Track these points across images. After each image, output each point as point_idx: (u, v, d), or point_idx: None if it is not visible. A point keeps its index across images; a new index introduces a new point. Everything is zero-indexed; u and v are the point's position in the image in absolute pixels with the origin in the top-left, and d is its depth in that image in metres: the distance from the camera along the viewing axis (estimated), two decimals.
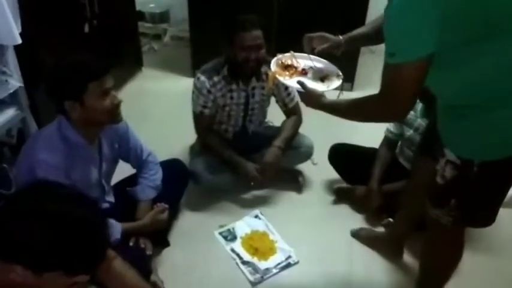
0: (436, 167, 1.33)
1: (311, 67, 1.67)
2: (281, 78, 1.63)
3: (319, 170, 2.47)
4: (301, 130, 2.36)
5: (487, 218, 1.37)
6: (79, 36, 2.60)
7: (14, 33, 1.70)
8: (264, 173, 2.15)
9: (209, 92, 2.09)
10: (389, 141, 2.18)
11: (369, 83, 3.47)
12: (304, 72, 1.65)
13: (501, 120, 1.17)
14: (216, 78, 2.08)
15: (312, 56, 1.67)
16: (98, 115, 1.48)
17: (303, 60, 1.69)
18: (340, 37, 1.64)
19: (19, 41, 1.73)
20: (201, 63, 3.36)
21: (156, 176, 1.87)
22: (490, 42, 1.08)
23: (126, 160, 1.85)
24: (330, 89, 1.57)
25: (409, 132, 2.06)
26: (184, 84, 3.43)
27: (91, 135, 1.58)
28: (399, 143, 2.18)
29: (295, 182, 2.41)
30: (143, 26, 3.96)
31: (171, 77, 3.64)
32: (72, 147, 1.51)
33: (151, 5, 4.06)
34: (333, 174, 2.37)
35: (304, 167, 2.47)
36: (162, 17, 4.09)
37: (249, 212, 2.18)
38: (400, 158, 2.17)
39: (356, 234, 2.09)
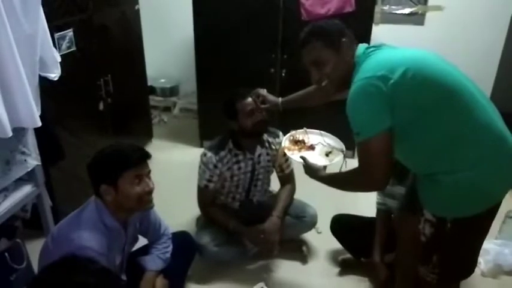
0: (419, 226, 1.49)
1: (320, 142, 1.87)
2: (289, 153, 1.85)
3: (323, 239, 2.49)
4: (304, 199, 2.43)
5: (467, 269, 1.53)
6: (94, 114, 2.77)
7: (35, 117, 1.84)
8: (267, 240, 2.18)
9: (215, 166, 2.19)
10: (382, 212, 2.23)
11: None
12: (312, 147, 1.84)
13: (464, 182, 1.34)
14: (222, 153, 2.20)
15: (322, 132, 1.94)
16: (129, 201, 1.55)
17: (313, 136, 1.93)
18: (279, 99, 2.09)
19: (39, 123, 1.87)
20: (208, 134, 3.58)
21: (167, 249, 1.92)
22: (434, 115, 1.33)
23: (144, 235, 1.91)
24: (331, 163, 1.76)
25: (394, 203, 2.13)
26: (192, 154, 3.54)
27: (123, 219, 1.65)
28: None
29: (299, 251, 2.43)
30: (154, 100, 4.19)
31: (180, 147, 3.78)
32: (110, 231, 1.58)
33: (162, 80, 4.33)
34: (337, 243, 2.38)
35: (309, 236, 2.50)
36: (172, 91, 4.34)
37: (254, 284, 2.18)
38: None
39: None
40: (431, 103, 1.33)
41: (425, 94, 1.33)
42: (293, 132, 1.95)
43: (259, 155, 2.27)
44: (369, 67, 1.39)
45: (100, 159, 1.58)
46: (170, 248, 1.94)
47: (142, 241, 1.97)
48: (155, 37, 3.97)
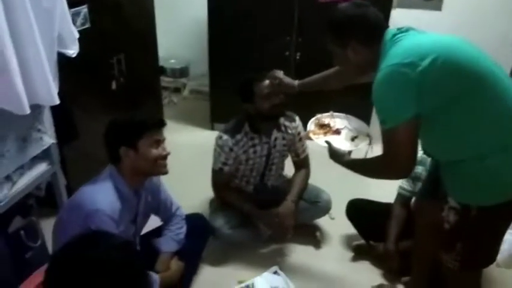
0: (442, 214, 1.48)
1: (346, 127, 1.85)
2: (314, 137, 1.84)
3: (336, 224, 2.49)
4: (319, 184, 2.42)
5: (490, 257, 1.53)
6: (107, 93, 2.74)
7: (53, 94, 1.81)
8: (282, 224, 2.17)
9: (231, 150, 2.16)
10: (403, 198, 2.21)
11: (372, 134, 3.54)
12: (337, 132, 1.82)
13: (491, 168, 1.33)
14: (238, 136, 2.17)
15: (348, 116, 1.92)
16: (147, 162, 1.61)
17: (339, 120, 1.91)
18: (296, 82, 2.05)
19: (57, 101, 1.84)
20: (220, 116, 3.55)
21: (181, 230, 1.93)
22: (463, 103, 1.31)
23: (156, 213, 1.92)
24: (356, 148, 1.74)
25: (420, 186, 2.10)
26: (203, 137, 3.55)
27: (136, 186, 1.69)
28: (413, 199, 2.20)
29: (313, 237, 2.43)
30: (164, 80, 4.14)
31: (190, 129, 3.76)
32: (122, 199, 1.62)
33: (172, 61, 4.27)
34: (351, 229, 2.38)
35: (322, 221, 2.50)
36: (182, 72, 4.29)
37: (268, 267, 2.17)
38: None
39: None
40: (461, 90, 1.31)
41: (455, 81, 1.30)
42: (319, 115, 1.93)
43: (275, 139, 2.25)
44: (396, 53, 1.35)
45: (122, 122, 1.63)
46: (184, 230, 1.94)
47: (155, 223, 1.97)
48: (166, 16, 3.89)
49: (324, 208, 2.38)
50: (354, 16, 1.46)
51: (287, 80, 2.07)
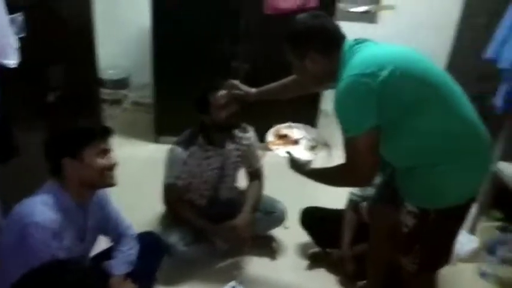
0: (400, 218, 1.52)
1: (304, 137, 1.85)
2: (273, 148, 1.82)
3: (291, 234, 2.49)
4: (270, 194, 2.41)
5: (446, 258, 1.59)
6: (44, 106, 2.55)
7: None
8: (239, 237, 2.14)
9: (185, 163, 2.10)
10: (354, 203, 2.26)
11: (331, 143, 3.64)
12: (296, 142, 1.82)
13: (447, 174, 1.39)
14: (193, 148, 2.11)
15: (306, 126, 1.93)
16: (93, 173, 1.51)
17: (297, 130, 1.91)
18: (253, 90, 2.05)
19: None
20: (165, 129, 3.45)
21: (132, 250, 1.82)
22: (418, 113, 1.35)
23: (105, 232, 1.80)
24: (315, 157, 1.74)
25: (370, 191, 2.16)
26: (147, 150, 3.43)
27: (82, 200, 1.59)
28: (364, 203, 2.26)
29: (268, 247, 2.41)
30: (102, 92, 3.94)
31: (133, 143, 3.60)
32: (65, 212, 1.51)
33: (111, 72, 4.09)
34: (305, 237, 2.40)
35: (276, 231, 2.49)
36: (122, 83, 4.12)
37: (225, 282, 2.10)
38: (367, 217, 2.25)
39: None
40: (418, 100, 1.36)
41: (412, 91, 1.35)
42: (277, 126, 1.92)
43: (230, 150, 2.22)
44: (356, 64, 1.38)
45: (65, 132, 1.54)
46: (136, 250, 1.83)
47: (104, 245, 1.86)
48: (105, 26, 3.72)
49: (279, 218, 2.37)
50: (312, 27, 1.49)
51: (244, 88, 2.06)
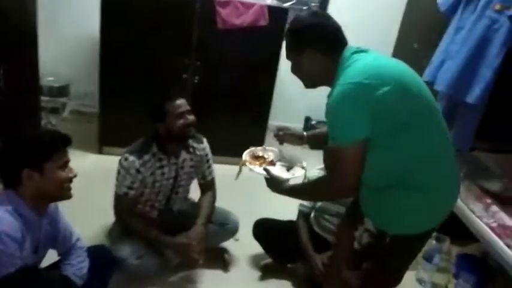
0: (355, 233, 1.55)
1: (280, 159, 1.87)
2: (250, 166, 1.81)
3: (242, 245, 2.50)
4: (220, 205, 2.41)
5: (393, 282, 1.58)
6: None
7: None
8: (193, 249, 2.10)
9: (138, 171, 2.05)
10: (304, 215, 2.33)
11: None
12: (272, 163, 1.83)
13: (415, 201, 1.37)
14: (146, 157, 2.07)
15: (281, 149, 1.93)
16: (53, 186, 1.48)
17: (272, 153, 1.91)
18: (304, 133, 1.96)
19: None
20: (110, 139, 3.34)
21: (83, 264, 1.73)
22: (409, 134, 1.33)
23: (53, 245, 1.70)
24: (293, 176, 1.76)
25: (319, 202, 2.25)
26: (90, 161, 3.28)
27: (39, 211, 1.52)
28: (312, 214, 2.33)
29: (221, 260, 2.40)
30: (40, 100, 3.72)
31: (75, 154, 3.29)
32: (24, 222, 1.44)
33: (51, 79, 3.89)
34: (256, 249, 2.43)
35: (228, 243, 2.49)
36: (61, 91, 3.92)
37: None
38: (316, 227, 2.32)
39: None
40: (410, 121, 1.32)
41: (408, 112, 1.32)
42: (252, 148, 1.93)
43: (184, 160, 2.20)
44: (356, 71, 1.33)
45: (26, 142, 1.47)
46: (86, 263, 1.75)
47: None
48: (46, 31, 3.56)
49: (232, 230, 2.38)
50: (312, 22, 1.45)
51: (296, 131, 2.01)
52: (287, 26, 1.53)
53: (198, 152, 2.25)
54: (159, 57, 3.18)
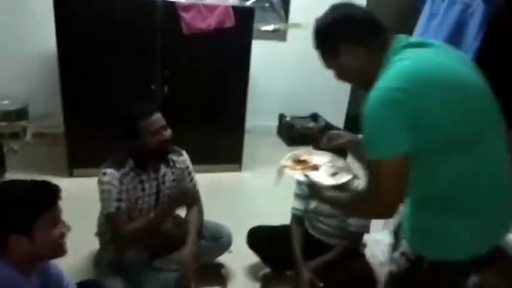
0: (394, 255, 1.42)
1: (325, 164, 1.71)
2: (290, 172, 1.66)
3: (237, 257, 2.41)
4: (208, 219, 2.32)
5: None
6: None
7: None
8: (186, 274, 2.00)
9: (121, 182, 1.94)
10: (297, 218, 2.27)
11: (256, 161, 3.66)
12: (315, 168, 1.68)
13: (457, 226, 1.23)
14: (124, 170, 1.96)
15: (328, 153, 1.77)
16: (47, 248, 1.29)
17: (318, 157, 1.75)
18: (360, 136, 1.68)
19: None
20: (80, 161, 3.15)
21: None
22: (456, 154, 1.16)
23: None
24: (337, 183, 1.60)
25: (313, 204, 2.20)
26: (61, 186, 3.06)
27: (28, 271, 1.33)
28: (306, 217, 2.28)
29: (217, 275, 2.31)
30: None
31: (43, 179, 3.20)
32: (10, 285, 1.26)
33: (5, 102, 3.63)
34: (252, 259, 2.36)
35: (222, 257, 2.39)
36: (19, 114, 3.67)
37: None
38: (310, 230, 2.27)
39: None
40: (460, 138, 1.16)
41: (457, 124, 1.15)
42: (295, 152, 1.78)
43: (164, 175, 2.09)
44: (398, 74, 1.15)
45: (8, 202, 1.24)
46: None
47: None
48: None
49: (226, 243, 2.28)
50: (335, 17, 1.29)
51: (348, 135, 1.75)
52: (313, 30, 1.36)
53: (178, 165, 2.14)
54: (124, 69, 3.02)
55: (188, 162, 2.21)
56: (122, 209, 1.94)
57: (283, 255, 2.22)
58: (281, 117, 4.36)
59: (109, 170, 1.93)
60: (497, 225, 1.30)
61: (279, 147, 4.19)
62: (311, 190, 1.58)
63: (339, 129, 2.29)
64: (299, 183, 2.24)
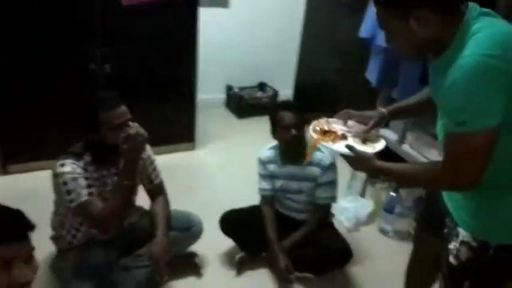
0: (449, 246, 1.32)
1: (348, 131, 1.58)
2: (328, 145, 1.52)
3: (208, 244, 2.29)
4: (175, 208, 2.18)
5: None
6: None
7: None
8: (158, 269, 1.88)
9: (85, 170, 1.76)
10: (266, 198, 2.22)
11: (209, 138, 3.52)
12: (344, 137, 1.54)
13: None
14: (83, 162, 1.77)
15: (340, 120, 1.63)
16: None
17: (336, 125, 1.61)
18: (383, 110, 1.59)
19: None
20: (17, 155, 2.82)
21: None
22: None
23: None
24: (377, 150, 1.49)
25: (279, 183, 2.17)
26: None
27: None
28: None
29: (192, 265, 2.21)
30: None
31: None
32: None
33: None
34: (225, 245, 2.30)
35: (194, 246, 2.26)
36: None
37: None
38: (280, 208, 2.25)
39: None
40: None
41: None
42: (315, 122, 1.62)
43: None
44: (493, 40, 1.07)
45: None
46: None
47: None
48: None
49: (197, 231, 2.16)
50: None
51: (367, 113, 1.62)
52: None
53: None
54: (58, 48, 2.67)
55: (149, 151, 2.04)
56: (94, 194, 1.77)
57: (258, 236, 2.17)
58: (228, 88, 4.21)
59: (68, 161, 1.73)
60: None
61: (230, 121, 4.06)
62: (356, 162, 1.43)
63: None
64: (262, 162, 2.18)
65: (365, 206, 2.68)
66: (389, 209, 2.54)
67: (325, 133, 1.57)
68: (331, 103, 3.21)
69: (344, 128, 1.60)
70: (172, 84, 3.14)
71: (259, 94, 4.23)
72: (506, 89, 1.04)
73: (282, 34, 4.11)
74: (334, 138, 1.54)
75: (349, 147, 1.43)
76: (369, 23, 2.39)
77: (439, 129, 1.25)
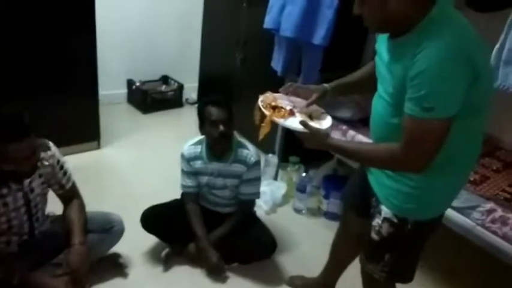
0: (373, 223, 1.43)
1: (294, 106, 1.53)
2: (280, 121, 1.45)
3: (129, 243, 2.20)
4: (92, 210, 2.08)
5: (413, 272, 1.50)
6: None
7: None
8: (76, 279, 1.80)
9: None
10: (190, 195, 2.22)
11: (113, 135, 3.37)
12: (292, 113, 1.49)
13: (446, 186, 1.32)
14: None
15: (290, 97, 1.58)
16: None
17: (282, 101, 1.55)
18: (325, 85, 1.58)
19: None
20: None
21: None
22: (473, 119, 1.21)
23: None
24: (328, 126, 1.47)
25: (204, 179, 2.19)
26: None
27: None
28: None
29: (116, 266, 2.13)
30: None
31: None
32: None
33: None
34: (148, 242, 2.27)
35: (116, 247, 2.15)
36: None
37: None
38: (204, 203, 2.27)
39: (292, 283, 2.11)
40: (484, 100, 1.23)
41: (486, 90, 1.21)
42: (262, 97, 1.54)
43: (31, 181, 1.78)
44: (466, 29, 1.14)
45: None
46: None
47: None
48: None
49: (119, 231, 2.07)
50: None
51: (311, 87, 1.59)
52: None
53: (46, 162, 1.83)
54: None
55: (58, 154, 1.90)
56: None
57: (182, 229, 2.17)
58: (130, 83, 4.04)
59: None
60: (461, 186, 1.44)
61: (134, 116, 3.91)
62: (310, 138, 1.40)
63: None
64: (187, 159, 2.16)
65: (279, 188, 2.83)
66: (301, 188, 2.71)
67: (274, 108, 1.52)
68: (238, 94, 3.29)
69: (289, 103, 1.57)
70: (71, 78, 2.89)
71: (164, 88, 4.13)
72: (468, 81, 1.11)
73: (183, 22, 4.05)
74: (284, 114, 1.50)
75: (303, 123, 1.39)
76: (273, 14, 2.49)
77: (376, 104, 1.34)
